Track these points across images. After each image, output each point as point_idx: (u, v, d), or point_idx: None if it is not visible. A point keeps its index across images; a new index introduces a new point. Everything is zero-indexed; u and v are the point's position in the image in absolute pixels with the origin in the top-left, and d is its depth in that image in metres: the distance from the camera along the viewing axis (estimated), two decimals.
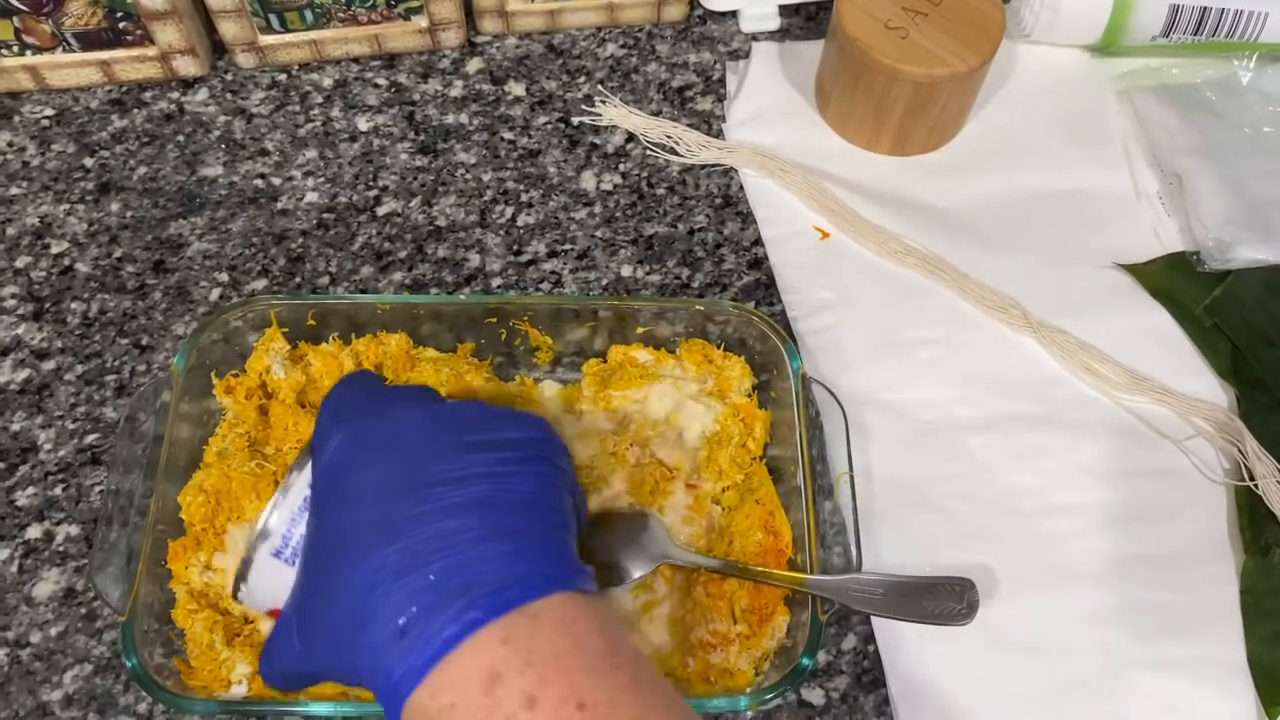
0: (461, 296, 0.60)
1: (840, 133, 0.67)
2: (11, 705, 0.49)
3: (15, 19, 0.63)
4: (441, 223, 0.64)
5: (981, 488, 0.56)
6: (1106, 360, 0.59)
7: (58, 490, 0.55)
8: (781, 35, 0.72)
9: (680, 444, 0.54)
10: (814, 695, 0.51)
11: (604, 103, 0.68)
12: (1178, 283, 0.62)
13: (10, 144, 0.66)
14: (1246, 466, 0.56)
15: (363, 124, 0.67)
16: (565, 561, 0.37)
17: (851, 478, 0.51)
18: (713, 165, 0.66)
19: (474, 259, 0.62)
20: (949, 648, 0.51)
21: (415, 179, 0.65)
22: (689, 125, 0.67)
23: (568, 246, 0.63)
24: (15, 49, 0.65)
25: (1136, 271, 0.62)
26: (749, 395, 0.55)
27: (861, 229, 0.63)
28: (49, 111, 0.67)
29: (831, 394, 0.52)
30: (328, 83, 0.69)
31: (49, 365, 0.58)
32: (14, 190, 0.64)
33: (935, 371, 0.59)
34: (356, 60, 0.70)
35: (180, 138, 0.66)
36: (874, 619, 0.52)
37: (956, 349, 0.60)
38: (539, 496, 0.38)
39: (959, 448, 0.57)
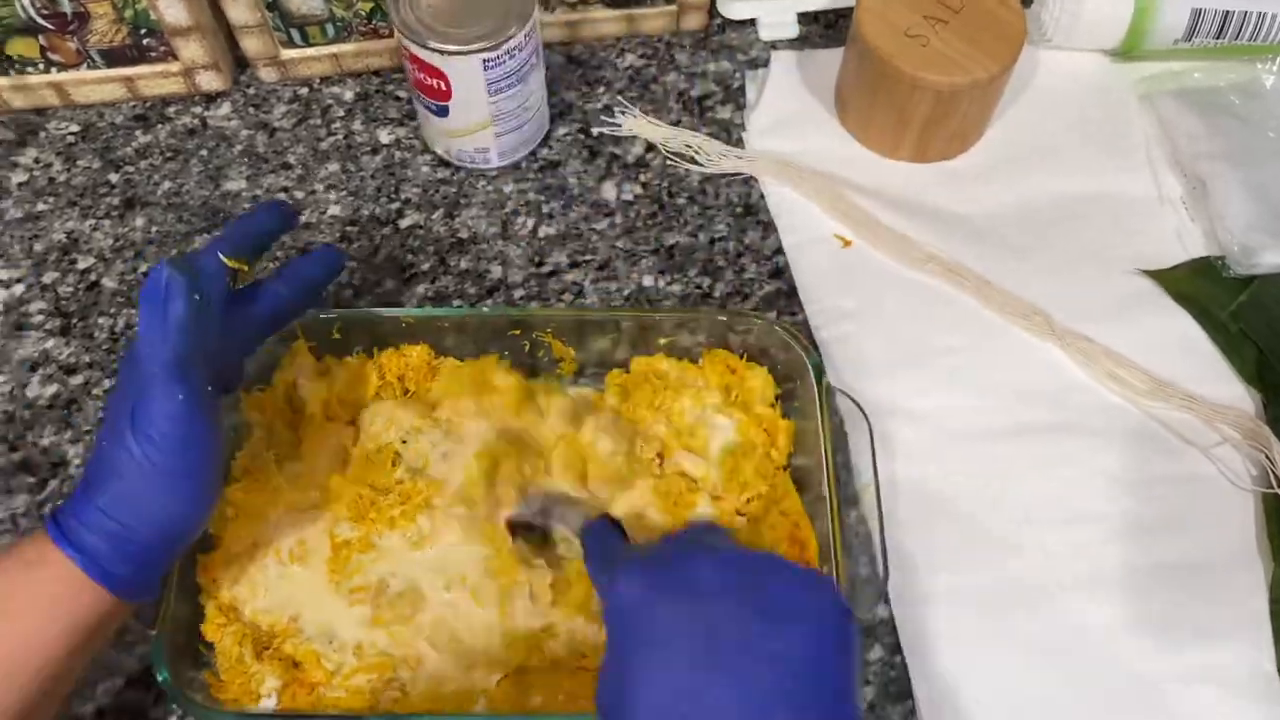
0: (484, 309, 0.60)
1: (861, 140, 0.67)
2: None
3: (41, 37, 0.63)
4: (464, 235, 0.64)
5: (1007, 496, 0.56)
6: (1130, 367, 0.59)
7: None
8: (801, 43, 0.72)
9: (704, 456, 0.54)
10: None
11: (624, 113, 0.68)
12: (1202, 288, 0.61)
13: (37, 160, 0.66)
14: (1274, 473, 0.55)
15: (384, 137, 0.68)
16: None
17: (877, 486, 0.51)
18: (733, 174, 0.66)
19: (496, 271, 0.63)
20: (976, 657, 0.51)
21: (437, 191, 0.66)
22: (709, 134, 0.67)
23: (589, 257, 0.63)
24: (41, 66, 0.65)
25: (1160, 277, 0.62)
26: (772, 405, 0.55)
27: (883, 236, 0.63)
28: (74, 128, 0.68)
29: (855, 403, 0.52)
30: (349, 96, 0.69)
31: (77, 380, 0.59)
32: (41, 206, 0.65)
33: (958, 379, 0.59)
34: (377, 73, 0.70)
35: (204, 152, 0.67)
36: (900, 630, 0.52)
37: (979, 357, 0.59)
38: (839, 685, 0.37)
39: (983, 456, 0.57)
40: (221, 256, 0.44)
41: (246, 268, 0.46)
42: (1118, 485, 0.56)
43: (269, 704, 0.48)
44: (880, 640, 0.52)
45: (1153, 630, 0.52)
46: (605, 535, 0.46)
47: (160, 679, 0.45)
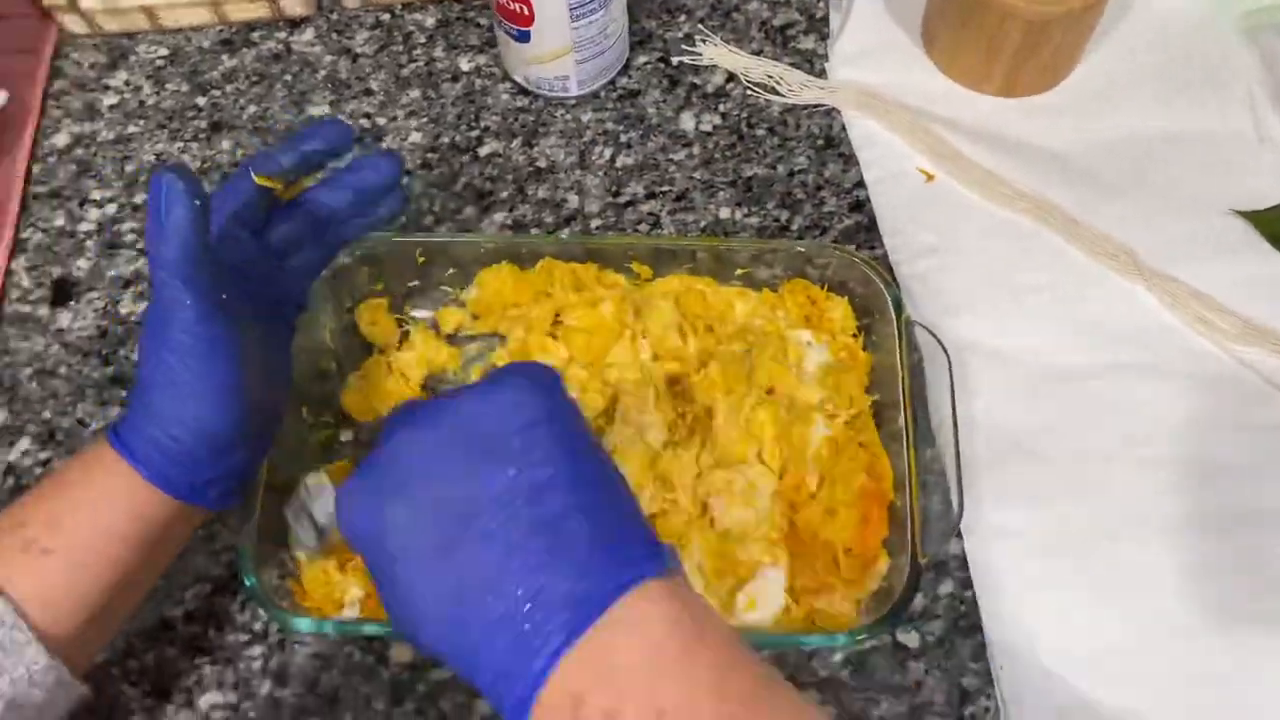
0: (563, 236, 0.61)
1: (947, 73, 0.66)
2: (138, 620, 0.52)
3: None
4: (542, 164, 0.64)
5: (1087, 437, 0.55)
6: (1220, 310, 0.57)
7: None
8: None
9: (801, 377, 0.54)
10: (910, 639, 0.51)
11: (704, 42, 0.67)
12: None
13: (127, 83, 0.68)
14: None
15: (465, 64, 0.68)
16: (623, 554, 0.34)
17: (955, 423, 0.50)
18: (814, 106, 0.65)
19: (573, 200, 0.63)
20: (1048, 595, 0.51)
21: (516, 120, 0.66)
22: (791, 64, 0.66)
23: (666, 188, 0.63)
24: None
25: (1256, 219, 0.60)
26: (854, 336, 0.55)
27: (968, 171, 0.62)
28: (163, 51, 0.69)
29: (935, 337, 0.52)
30: (430, 22, 0.69)
31: None
32: (131, 128, 0.66)
33: (1041, 318, 0.58)
34: (459, 0, 0.70)
35: (288, 77, 0.67)
36: (971, 566, 0.52)
37: (1063, 296, 0.58)
38: (571, 478, 0.34)
39: (1065, 396, 0.56)
40: (252, 173, 0.45)
41: (281, 186, 0.46)
42: (1202, 430, 0.55)
43: (351, 613, 0.49)
44: (952, 574, 0.52)
45: (1235, 575, 0.51)
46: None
47: (247, 584, 0.47)
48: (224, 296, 0.41)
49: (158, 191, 0.39)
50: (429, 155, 0.64)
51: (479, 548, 0.33)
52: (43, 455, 0.56)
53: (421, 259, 0.55)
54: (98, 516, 0.42)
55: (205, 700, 0.50)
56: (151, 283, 0.41)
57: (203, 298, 0.40)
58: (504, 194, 0.63)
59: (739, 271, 0.56)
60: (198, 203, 0.40)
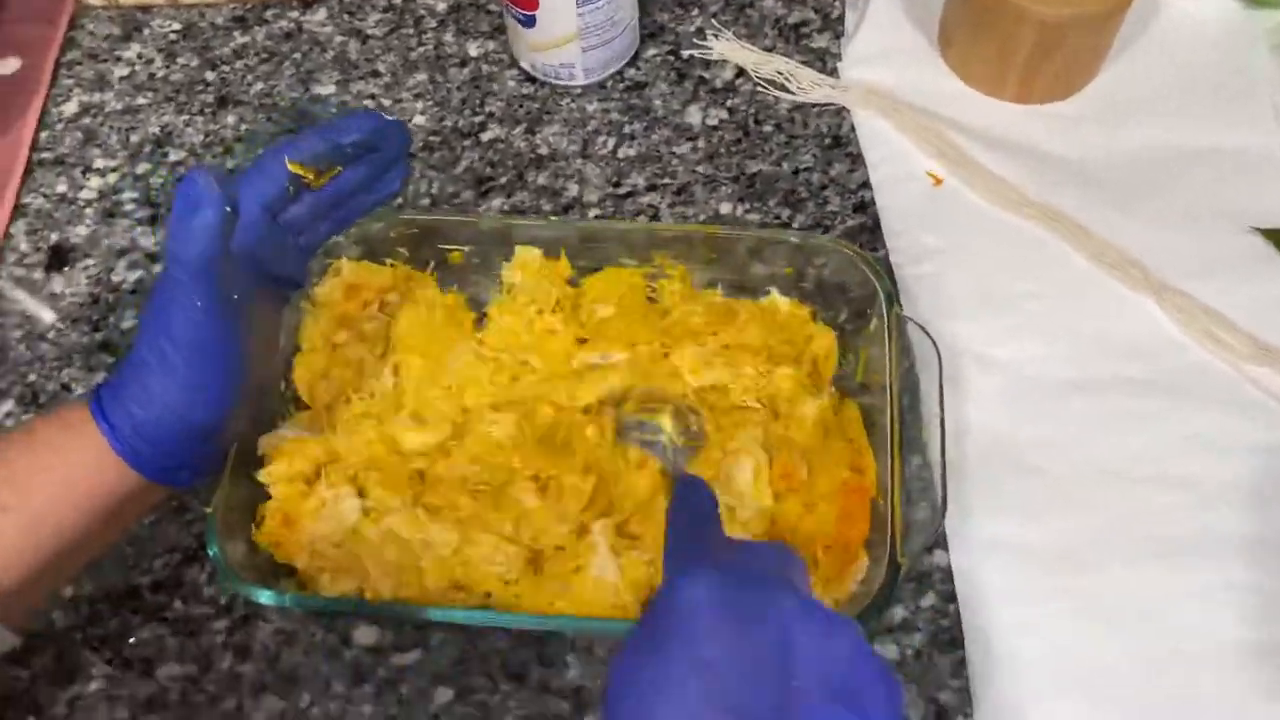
0: (553, 218, 0.60)
1: (963, 77, 0.64)
2: (105, 586, 0.51)
3: None
4: (543, 151, 0.63)
5: (1085, 451, 0.53)
6: (1232, 328, 0.55)
7: None
8: None
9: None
10: (889, 650, 0.49)
11: (716, 36, 0.66)
12: None
13: (139, 55, 0.68)
14: None
15: (473, 50, 0.67)
16: None
17: (942, 422, 0.49)
18: (824, 104, 0.64)
19: (573, 189, 0.62)
20: (1035, 614, 0.49)
21: (521, 106, 0.65)
22: (802, 62, 0.65)
23: (667, 180, 0.62)
24: None
25: (1275, 237, 0.58)
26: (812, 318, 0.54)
27: (979, 176, 0.60)
28: (176, 26, 0.69)
29: (924, 330, 0.50)
30: (442, 7, 0.69)
31: (160, 269, 0.60)
32: (140, 100, 0.66)
33: (1042, 327, 0.56)
34: None
35: (297, 55, 0.67)
36: (956, 580, 0.50)
37: (1067, 305, 0.56)
38: None
39: (1063, 408, 0.54)
40: (287, 161, 0.43)
41: (313, 176, 0.44)
42: (1208, 450, 0.53)
43: None
44: (935, 587, 0.50)
45: (1231, 602, 0.49)
46: (697, 502, 0.39)
47: (211, 554, 0.46)
48: (235, 296, 0.41)
49: (191, 190, 0.38)
50: (431, 138, 0.64)
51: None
52: (25, 418, 0.56)
53: (415, 237, 0.55)
54: (61, 481, 0.41)
55: (164, 671, 0.49)
56: (164, 269, 0.40)
57: (214, 299, 0.40)
58: (503, 180, 0.62)
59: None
60: (228, 209, 0.39)
